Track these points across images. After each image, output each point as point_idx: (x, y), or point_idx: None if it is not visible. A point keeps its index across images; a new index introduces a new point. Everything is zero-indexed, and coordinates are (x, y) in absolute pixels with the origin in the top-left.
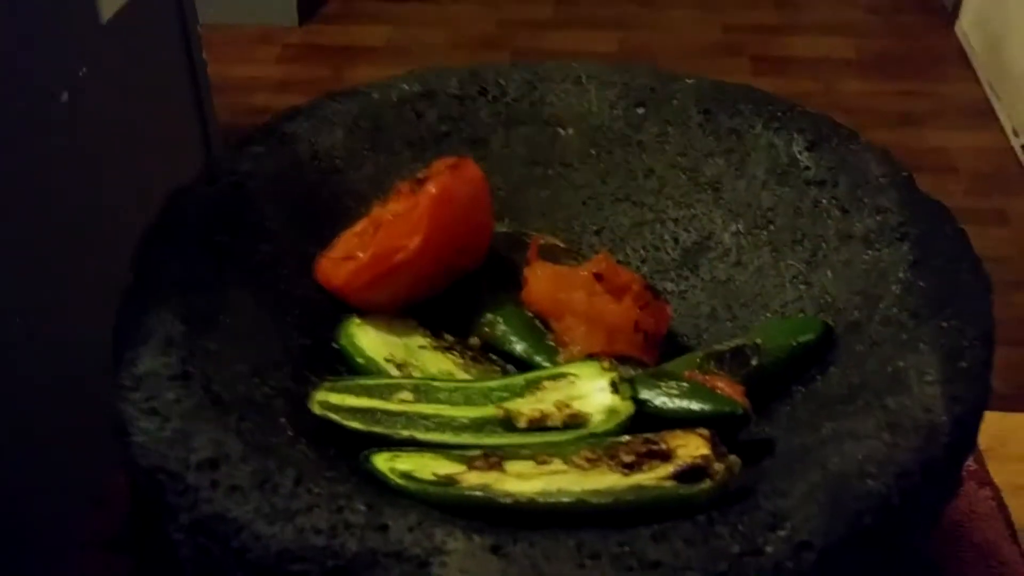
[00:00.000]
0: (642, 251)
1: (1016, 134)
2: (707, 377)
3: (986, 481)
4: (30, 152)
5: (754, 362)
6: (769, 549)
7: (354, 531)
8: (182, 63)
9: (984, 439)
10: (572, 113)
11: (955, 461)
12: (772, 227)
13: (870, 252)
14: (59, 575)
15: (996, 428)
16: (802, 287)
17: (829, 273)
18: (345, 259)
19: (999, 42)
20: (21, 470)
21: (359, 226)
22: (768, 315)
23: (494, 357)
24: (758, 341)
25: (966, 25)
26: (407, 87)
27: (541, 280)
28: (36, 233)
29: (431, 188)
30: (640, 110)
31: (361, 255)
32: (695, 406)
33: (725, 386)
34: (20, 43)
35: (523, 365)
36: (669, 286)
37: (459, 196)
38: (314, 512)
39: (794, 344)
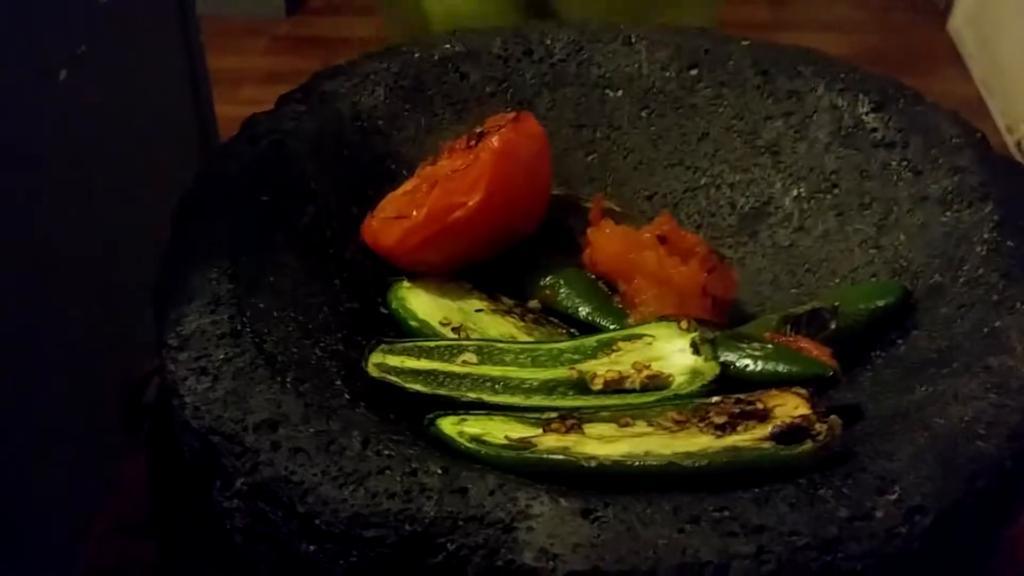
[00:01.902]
0: (697, 216)
1: (1010, 131)
2: (790, 339)
3: None
4: (27, 129)
5: (832, 326)
6: (879, 514)
7: (430, 495)
8: (180, 46)
9: None
10: (621, 75)
11: None
12: (837, 191)
13: (948, 213)
14: (75, 560)
15: None
16: (872, 251)
17: (902, 236)
18: (397, 218)
19: (991, 40)
20: (34, 455)
21: (409, 184)
22: (836, 281)
23: (556, 321)
24: (835, 304)
25: (958, 23)
26: (449, 46)
27: (611, 239)
28: (32, 212)
29: (493, 142)
30: (693, 71)
31: (415, 213)
32: (782, 368)
33: (811, 347)
34: (18, 19)
35: (588, 328)
36: (727, 252)
37: (521, 152)
38: (386, 475)
39: (873, 308)
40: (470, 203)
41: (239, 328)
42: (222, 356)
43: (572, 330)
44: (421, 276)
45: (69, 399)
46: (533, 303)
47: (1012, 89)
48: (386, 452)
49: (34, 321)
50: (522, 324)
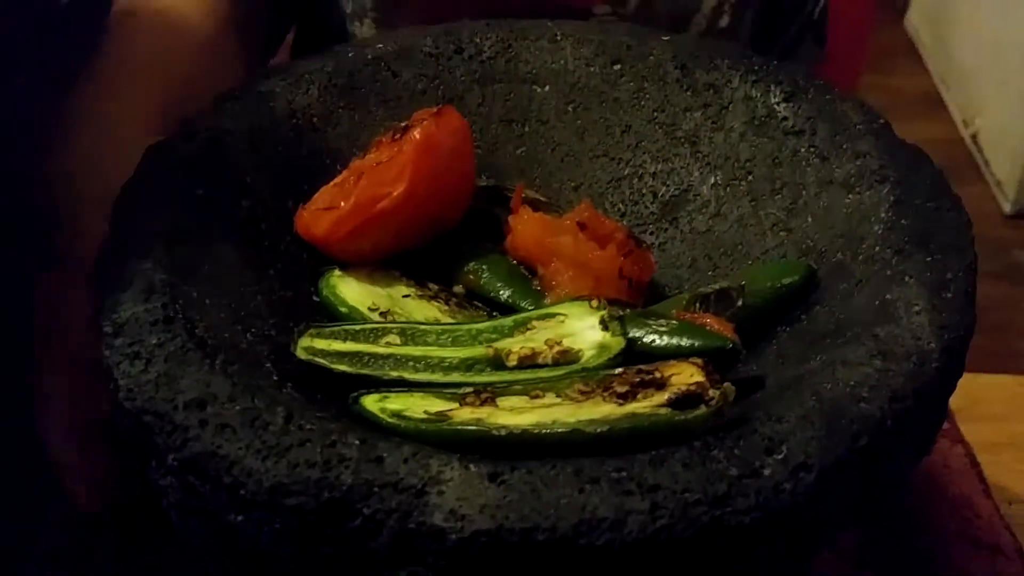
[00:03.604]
0: (621, 205)
1: (966, 124)
2: (695, 316)
3: (958, 439)
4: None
5: (739, 303)
6: (767, 471)
7: (348, 464)
8: None
9: (955, 400)
10: (548, 71)
11: (944, 387)
12: (751, 177)
13: (851, 196)
14: (32, 546)
15: (966, 389)
16: (783, 234)
17: (810, 219)
18: (326, 209)
19: (947, 36)
20: None
21: (339, 178)
22: (750, 263)
23: (479, 304)
24: (742, 283)
25: (915, 19)
26: (382, 46)
27: (528, 224)
28: None
29: (416, 134)
30: (616, 67)
31: (343, 204)
32: (685, 342)
33: (714, 323)
34: None
35: (509, 311)
36: (649, 239)
37: (443, 144)
38: (306, 447)
39: (778, 286)
40: (395, 193)
41: (172, 315)
42: (154, 341)
43: (494, 313)
44: (352, 265)
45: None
46: (458, 288)
47: (967, 84)
48: (308, 427)
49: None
50: (446, 308)
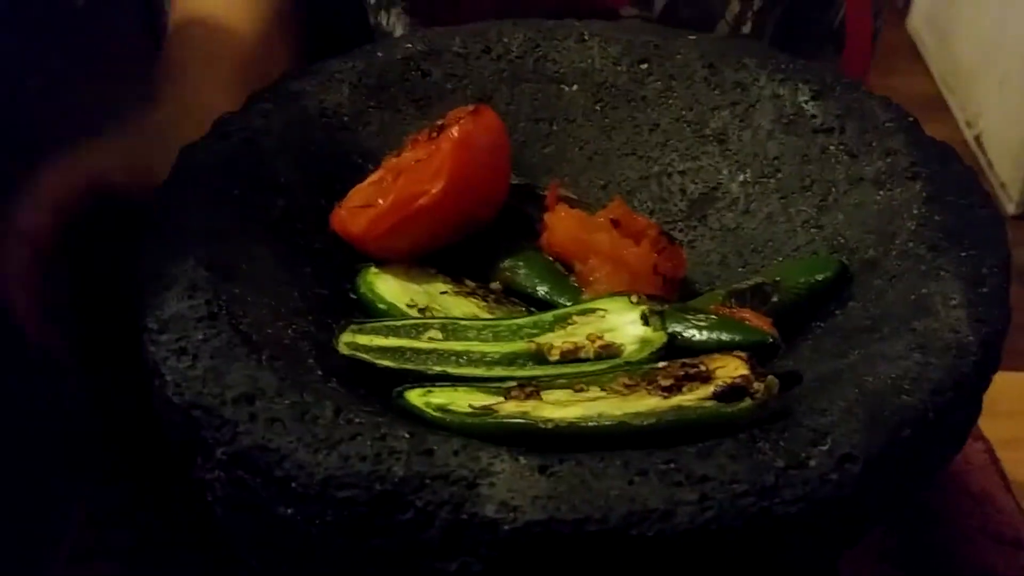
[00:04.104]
0: (649, 203)
1: (969, 125)
2: (733, 311)
3: (979, 436)
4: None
5: (774, 299)
6: (813, 463)
7: (399, 456)
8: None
9: None
10: (575, 70)
11: (981, 381)
12: (780, 175)
13: (882, 193)
14: (56, 547)
15: None
16: (813, 231)
17: (840, 216)
18: (364, 207)
19: (949, 37)
20: (12, 447)
21: (375, 176)
22: (780, 259)
23: (516, 300)
24: (777, 279)
25: (917, 21)
26: (411, 46)
27: (565, 221)
28: None
29: (453, 133)
30: (644, 65)
31: (381, 202)
32: (725, 336)
33: (753, 318)
34: None
35: (546, 306)
36: (678, 235)
37: (480, 142)
38: (357, 440)
39: (812, 281)
40: (433, 191)
41: (216, 311)
42: (200, 337)
43: (531, 308)
44: (388, 262)
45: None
46: (494, 284)
47: (970, 85)
48: (357, 420)
49: None
50: (484, 304)
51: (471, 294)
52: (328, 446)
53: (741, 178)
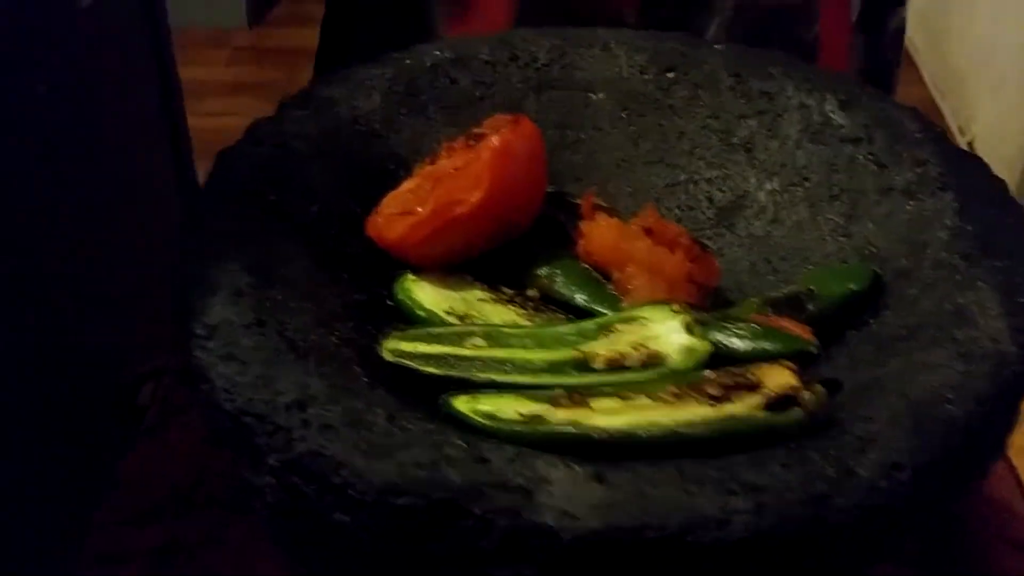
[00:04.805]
0: (677, 211)
1: (962, 132)
2: (773, 319)
3: None
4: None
5: (810, 307)
6: (862, 471)
7: (455, 464)
8: (151, 56)
9: None
10: (602, 78)
11: (1021, 390)
12: (808, 184)
13: (912, 203)
14: (80, 549)
15: None
16: (842, 239)
17: (870, 225)
18: (401, 214)
19: (941, 42)
20: (37, 450)
21: (411, 183)
22: (809, 267)
23: (554, 308)
24: (811, 288)
25: (909, 26)
26: (439, 53)
27: (603, 230)
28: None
29: (493, 141)
30: (670, 74)
31: (420, 209)
32: (767, 346)
33: (792, 326)
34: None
35: (584, 314)
36: (706, 244)
37: (519, 151)
38: (412, 447)
39: (846, 290)
40: (472, 199)
41: (263, 318)
42: (249, 344)
43: (570, 316)
44: (424, 269)
45: (68, 401)
46: (532, 292)
47: (963, 91)
48: (409, 427)
49: (33, 325)
50: (523, 311)
51: (509, 301)
52: (384, 453)
53: (769, 187)
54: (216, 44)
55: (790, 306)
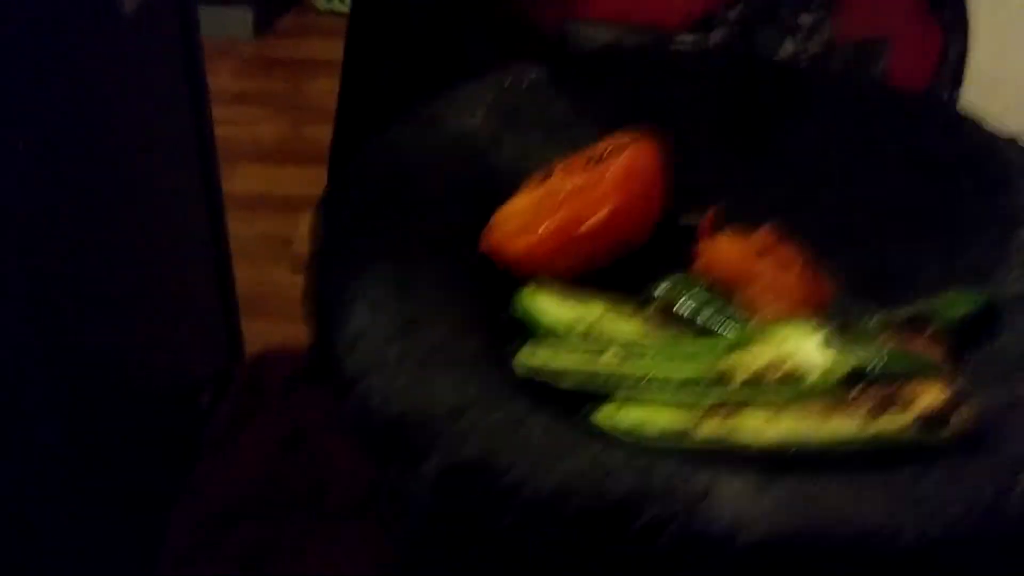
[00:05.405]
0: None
1: None
2: (904, 339)
3: None
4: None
5: (929, 330)
6: (1019, 488)
7: (621, 470)
8: (183, 65)
9: None
10: (696, 98)
11: None
12: (909, 209)
13: (1022, 229)
14: (161, 548)
15: None
16: (951, 265)
17: (978, 251)
18: (523, 231)
19: None
20: (117, 458)
21: (525, 199)
22: (914, 292)
23: (675, 324)
24: (930, 310)
25: None
26: (536, 75)
27: (727, 249)
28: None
29: (621, 160)
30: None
31: (546, 225)
32: (900, 364)
33: (923, 346)
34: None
35: (705, 331)
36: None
37: (643, 169)
38: (577, 454)
39: (961, 313)
40: (599, 216)
41: (409, 326)
42: (396, 351)
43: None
44: (543, 283)
45: (145, 412)
46: (652, 307)
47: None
48: (569, 434)
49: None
50: (647, 326)
51: (632, 316)
52: (551, 459)
53: (870, 210)
54: (222, 54)
55: (909, 327)
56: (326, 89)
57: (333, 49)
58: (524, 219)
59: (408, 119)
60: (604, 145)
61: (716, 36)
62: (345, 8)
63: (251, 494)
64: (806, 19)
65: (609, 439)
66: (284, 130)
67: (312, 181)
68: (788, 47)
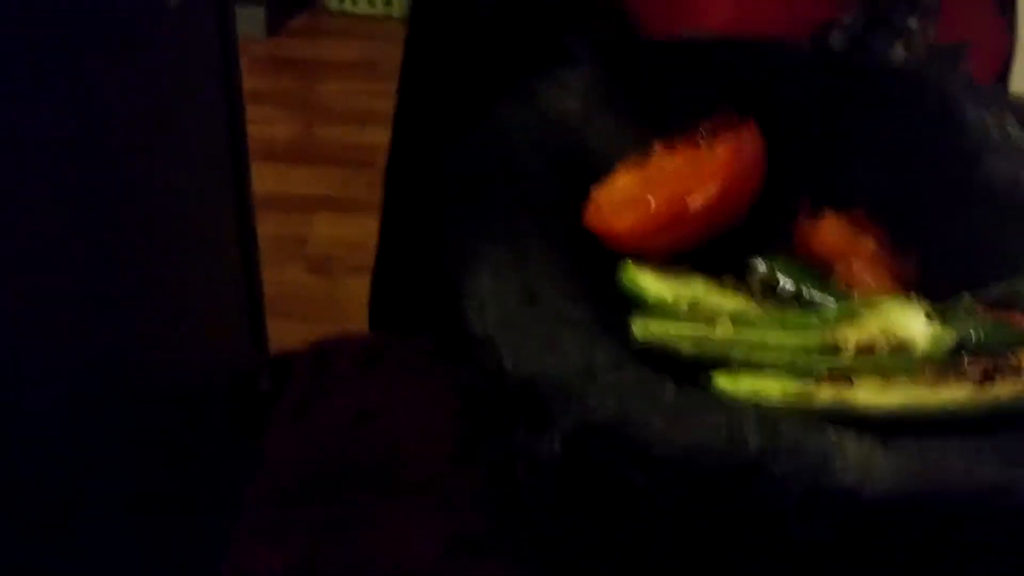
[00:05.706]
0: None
1: None
2: (997, 313)
3: None
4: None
5: (1018, 309)
6: None
7: (751, 429)
8: (222, 62)
9: None
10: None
11: None
12: (992, 197)
13: None
14: (234, 523)
15: None
16: None
17: None
18: (629, 207)
19: None
20: (189, 436)
21: (627, 177)
22: (995, 274)
23: (776, 298)
24: (1014, 291)
25: None
26: (629, 62)
27: (830, 227)
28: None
29: (728, 141)
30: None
31: (652, 201)
32: (1001, 336)
33: (1017, 319)
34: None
35: (807, 306)
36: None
37: (748, 150)
38: (708, 413)
39: None
40: (707, 194)
41: (532, 292)
42: (525, 315)
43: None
44: (642, 259)
45: (212, 393)
46: (753, 282)
47: None
48: (698, 395)
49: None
50: (751, 301)
51: (735, 292)
52: (684, 417)
53: (949, 193)
54: None
55: (1002, 304)
56: (338, 90)
57: (345, 49)
58: (630, 195)
59: (510, 98)
60: (704, 129)
61: (835, 43)
62: (357, 9)
63: (326, 471)
64: (913, 23)
65: (735, 401)
66: (296, 130)
67: (324, 181)
68: (899, 51)
